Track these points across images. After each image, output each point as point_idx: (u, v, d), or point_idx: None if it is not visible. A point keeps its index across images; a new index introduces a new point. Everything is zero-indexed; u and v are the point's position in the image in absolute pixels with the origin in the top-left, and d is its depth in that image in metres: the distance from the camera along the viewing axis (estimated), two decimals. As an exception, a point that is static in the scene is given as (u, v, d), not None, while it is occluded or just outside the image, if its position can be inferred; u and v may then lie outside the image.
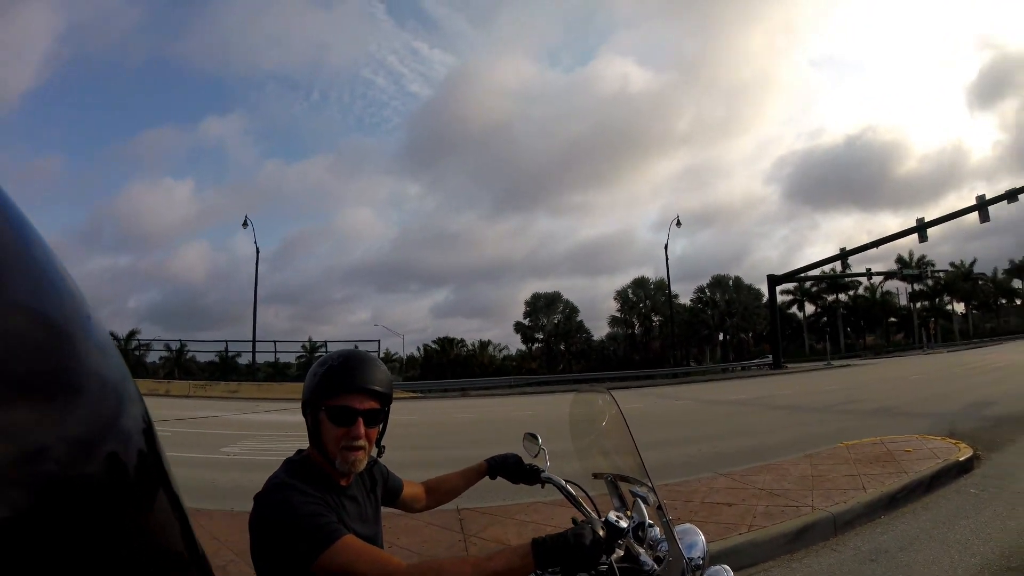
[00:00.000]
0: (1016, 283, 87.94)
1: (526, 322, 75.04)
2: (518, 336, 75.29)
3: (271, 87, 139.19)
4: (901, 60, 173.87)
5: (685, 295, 77.36)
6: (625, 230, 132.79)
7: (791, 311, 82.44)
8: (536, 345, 75.26)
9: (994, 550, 4.89)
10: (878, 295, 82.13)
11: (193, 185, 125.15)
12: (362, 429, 1.72)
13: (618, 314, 76.77)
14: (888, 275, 73.09)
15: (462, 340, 71.06)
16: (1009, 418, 10.93)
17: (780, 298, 69.37)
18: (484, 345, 71.94)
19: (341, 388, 1.71)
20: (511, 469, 2.30)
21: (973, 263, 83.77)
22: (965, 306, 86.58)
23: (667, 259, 48.39)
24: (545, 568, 1.47)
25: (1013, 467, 7.48)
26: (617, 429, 1.98)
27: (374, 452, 1.86)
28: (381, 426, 1.82)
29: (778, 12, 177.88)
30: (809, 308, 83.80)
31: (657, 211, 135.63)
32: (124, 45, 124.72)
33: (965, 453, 7.87)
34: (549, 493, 2.19)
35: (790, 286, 76.44)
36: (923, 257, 76.54)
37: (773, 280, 50.48)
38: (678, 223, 46.57)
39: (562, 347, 74.58)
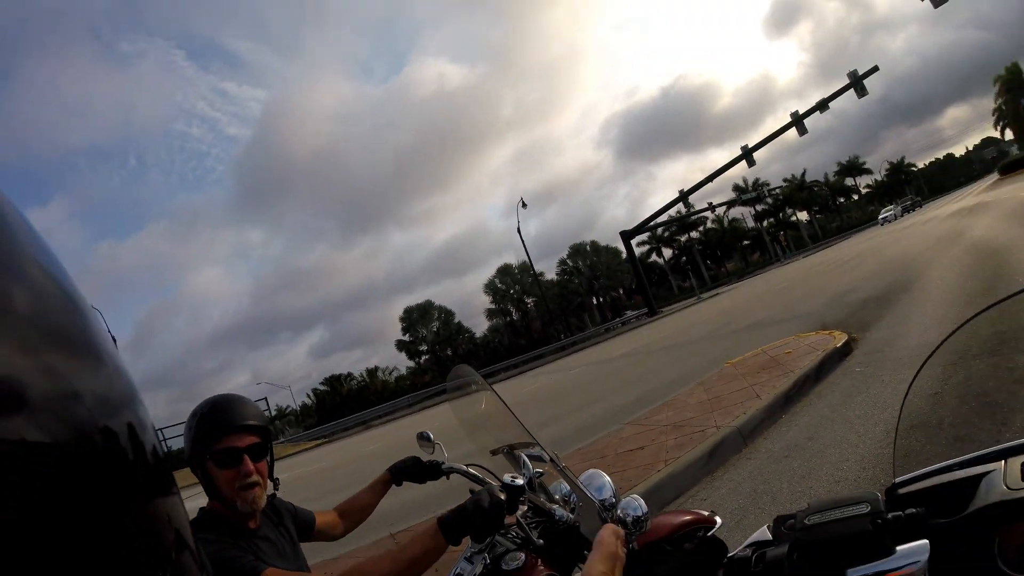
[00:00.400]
0: (849, 181, 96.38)
1: (406, 338, 74.74)
2: (403, 354, 75.00)
3: (84, 164, 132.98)
4: (696, 7, 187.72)
5: (550, 271, 79.98)
6: (476, 224, 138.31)
7: (651, 260, 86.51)
8: (423, 358, 74.90)
9: (893, 415, 5.18)
10: (726, 224, 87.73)
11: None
12: (251, 465, 1.71)
13: (492, 306, 78.18)
14: (729, 204, 78.36)
15: (349, 374, 70.05)
16: (871, 299, 11.71)
17: (638, 250, 72.41)
18: (372, 372, 71.00)
19: (218, 432, 1.70)
20: (413, 470, 2.34)
21: (804, 173, 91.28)
22: (808, 213, 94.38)
23: (523, 241, 49.18)
24: (456, 542, 1.52)
25: (887, 340, 8.00)
26: (494, 405, 1.97)
27: (270, 488, 1.84)
28: (268, 459, 1.81)
29: None
30: (667, 252, 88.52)
31: (502, 199, 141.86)
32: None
33: (840, 339, 8.34)
34: (462, 485, 2.11)
35: (644, 237, 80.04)
36: (757, 180, 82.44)
37: (626, 235, 52.25)
38: (523, 205, 47.24)
39: (448, 352, 74.44)
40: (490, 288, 77.58)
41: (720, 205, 69.57)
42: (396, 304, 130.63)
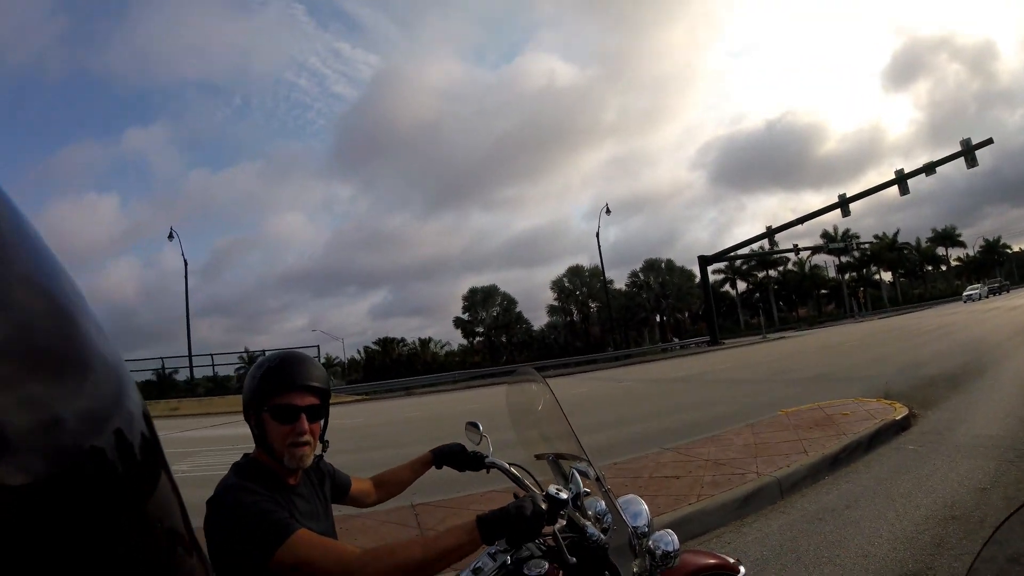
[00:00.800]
0: (940, 250, 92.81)
1: (465, 317, 75.09)
2: (458, 331, 75.42)
3: (193, 95, 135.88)
4: (818, 47, 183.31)
5: (620, 280, 78.83)
6: (558, 221, 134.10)
7: (724, 289, 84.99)
8: (477, 339, 75.38)
9: (937, 501, 5.05)
10: (807, 269, 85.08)
11: (118, 200, 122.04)
12: (306, 425, 1.76)
13: (556, 303, 77.65)
14: (815, 249, 75.71)
15: (403, 339, 70.65)
16: (941, 377, 11.34)
17: (712, 277, 71.68)
18: (425, 343, 71.66)
19: (281, 388, 1.74)
20: (456, 457, 2.35)
21: (896, 233, 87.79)
22: (892, 274, 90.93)
23: (599, 246, 49.35)
24: (491, 542, 1.56)
25: (949, 422, 7.76)
26: (552, 411, 2.01)
27: (319, 448, 1.87)
28: (323, 421, 1.86)
29: (698, 6, 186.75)
30: (741, 285, 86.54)
31: (588, 200, 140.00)
32: (43, 58, 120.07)
33: (901, 412, 8.13)
34: (500, 481, 2.19)
35: (721, 265, 78.82)
36: (848, 231, 79.74)
37: (704, 260, 51.70)
38: (607, 211, 47.31)
39: (503, 339, 74.80)
40: (557, 285, 76.84)
41: (805, 249, 67.44)
42: (463, 282, 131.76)
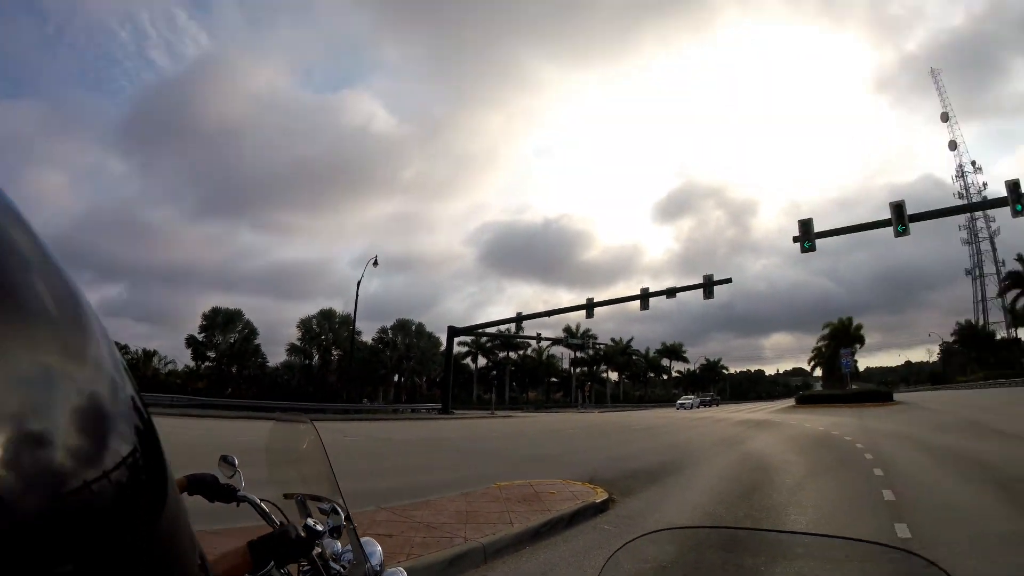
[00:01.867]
0: (665, 361, 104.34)
1: (200, 337, 69.32)
2: (188, 351, 69.39)
3: (10, 6, 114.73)
4: (610, 166, 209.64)
5: (368, 333, 77.89)
6: (325, 259, 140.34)
7: (465, 362, 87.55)
8: (207, 364, 69.85)
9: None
10: (544, 357, 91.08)
11: None
12: None
13: (299, 343, 74.82)
14: (555, 341, 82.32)
15: (126, 346, 63.39)
16: (641, 471, 12.53)
17: (457, 349, 73.54)
18: (149, 355, 65.38)
19: None
20: (209, 487, 2.29)
21: (630, 341, 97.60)
22: (619, 375, 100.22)
23: (357, 295, 48.57)
24: (262, 567, 1.62)
25: (642, 510, 8.72)
26: (314, 455, 2.10)
27: None
28: None
29: (521, 101, 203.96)
30: (482, 361, 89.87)
31: (361, 247, 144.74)
32: None
33: (601, 496, 8.99)
34: (251, 518, 2.18)
35: (468, 339, 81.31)
36: (588, 330, 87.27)
37: (452, 331, 53.26)
38: (375, 263, 47.26)
39: (234, 369, 70.19)
40: (304, 325, 74.76)
41: (547, 339, 73.01)
42: (208, 299, 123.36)
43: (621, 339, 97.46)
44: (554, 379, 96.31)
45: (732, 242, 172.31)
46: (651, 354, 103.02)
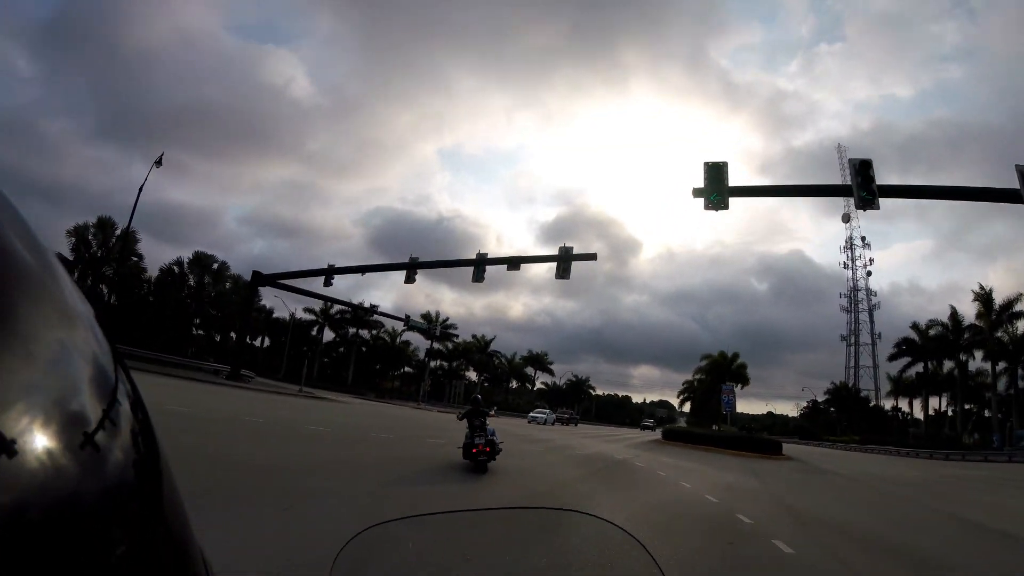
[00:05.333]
0: (529, 371, 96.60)
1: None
2: None
3: None
4: (505, 182, 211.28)
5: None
6: (212, 208, 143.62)
7: (315, 334, 78.78)
8: None
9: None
10: (397, 341, 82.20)
11: None
12: None
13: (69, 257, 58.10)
14: (407, 324, 71.12)
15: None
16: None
17: (303, 315, 71.73)
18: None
19: None
20: None
21: (492, 340, 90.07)
22: (479, 376, 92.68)
23: (136, 204, 38.44)
24: None
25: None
26: None
27: None
28: None
29: (435, 104, 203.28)
30: (333, 336, 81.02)
31: (251, 205, 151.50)
32: None
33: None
34: None
35: (316, 306, 73.58)
36: (447, 319, 79.10)
37: (257, 277, 42.92)
38: (159, 163, 37.80)
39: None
40: (79, 235, 56.26)
41: (387, 316, 62.97)
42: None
43: (483, 336, 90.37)
44: (409, 369, 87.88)
45: (609, 274, 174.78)
46: (516, 359, 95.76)
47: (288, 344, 77.56)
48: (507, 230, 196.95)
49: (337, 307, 75.84)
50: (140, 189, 37.22)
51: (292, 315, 76.59)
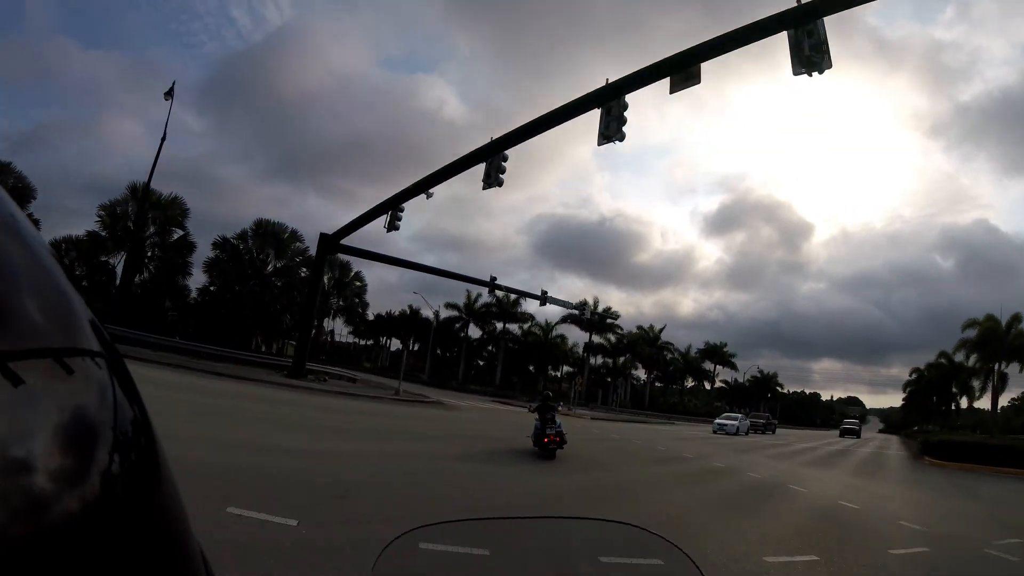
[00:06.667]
0: (707, 366, 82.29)
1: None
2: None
3: None
4: (664, 174, 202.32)
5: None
6: (379, 229, 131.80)
7: (457, 328, 70.46)
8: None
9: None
10: (551, 336, 71.33)
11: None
12: None
13: (102, 232, 44.44)
14: (566, 307, 59.95)
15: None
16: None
17: (447, 313, 65.74)
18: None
19: None
20: None
21: (662, 329, 76.74)
22: (648, 373, 79.65)
23: (158, 155, 31.71)
24: None
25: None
26: None
27: None
28: None
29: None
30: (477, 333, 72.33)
31: (418, 223, 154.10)
32: None
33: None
34: None
35: (461, 303, 68.02)
36: (609, 308, 67.20)
37: (325, 240, 33.33)
38: (170, 92, 30.31)
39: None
40: (108, 212, 43.30)
41: (512, 291, 47.90)
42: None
43: (652, 327, 77.06)
44: (567, 368, 76.69)
45: (781, 262, 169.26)
46: (691, 353, 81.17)
47: (431, 344, 70.11)
48: (671, 224, 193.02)
49: (482, 301, 67.56)
50: (163, 137, 30.21)
51: (436, 313, 69.23)
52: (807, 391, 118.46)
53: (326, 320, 66.59)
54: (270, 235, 48.06)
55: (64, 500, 0.32)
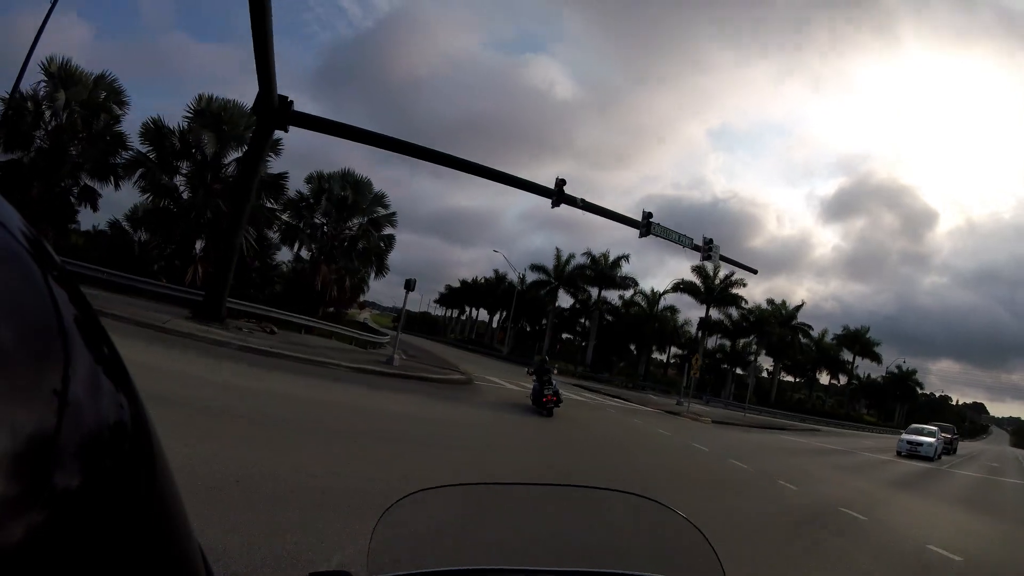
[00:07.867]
0: (846, 354, 65.47)
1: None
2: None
3: None
4: (783, 155, 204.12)
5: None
6: (492, 210, 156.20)
7: (555, 305, 59.40)
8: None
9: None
10: (656, 309, 58.18)
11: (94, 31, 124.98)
12: None
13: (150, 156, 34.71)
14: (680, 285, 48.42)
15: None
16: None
17: (532, 276, 58.13)
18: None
19: None
20: None
21: (799, 307, 61.49)
22: (775, 362, 63.92)
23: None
24: None
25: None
26: None
27: None
28: None
29: (695, 81, 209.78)
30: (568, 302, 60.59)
31: (528, 203, 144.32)
32: None
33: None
34: None
35: (548, 265, 57.63)
36: (731, 274, 52.11)
37: (265, 103, 23.00)
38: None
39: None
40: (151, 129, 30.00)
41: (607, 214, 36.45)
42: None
43: (784, 301, 61.34)
44: (677, 349, 63.11)
45: (902, 251, 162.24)
46: (825, 339, 64.39)
47: (513, 313, 59.14)
48: (787, 207, 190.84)
49: (575, 263, 55.91)
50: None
51: (522, 276, 59.12)
52: (937, 394, 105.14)
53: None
54: (211, 116, 29.04)
55: (61, 499, 0.31)
